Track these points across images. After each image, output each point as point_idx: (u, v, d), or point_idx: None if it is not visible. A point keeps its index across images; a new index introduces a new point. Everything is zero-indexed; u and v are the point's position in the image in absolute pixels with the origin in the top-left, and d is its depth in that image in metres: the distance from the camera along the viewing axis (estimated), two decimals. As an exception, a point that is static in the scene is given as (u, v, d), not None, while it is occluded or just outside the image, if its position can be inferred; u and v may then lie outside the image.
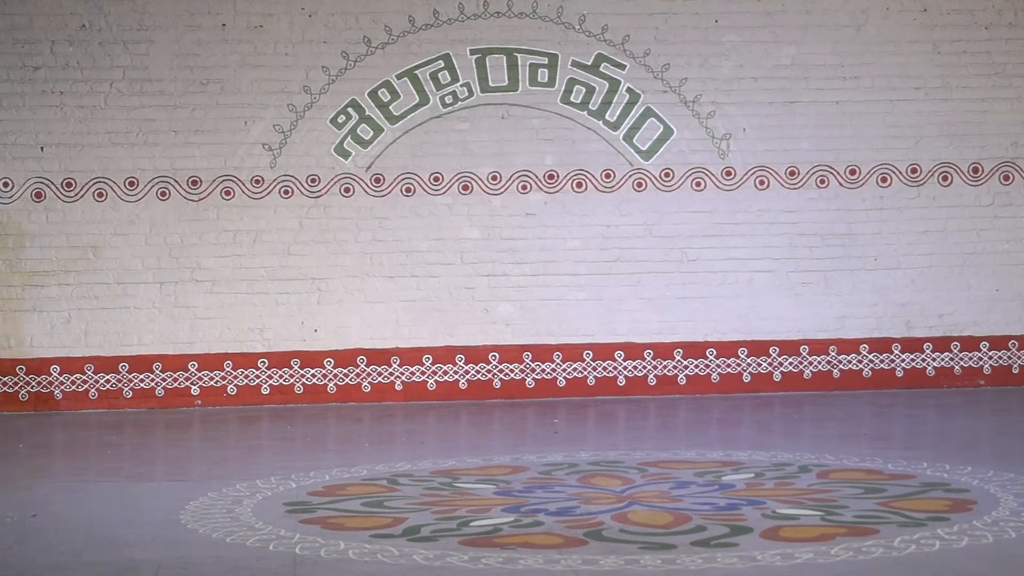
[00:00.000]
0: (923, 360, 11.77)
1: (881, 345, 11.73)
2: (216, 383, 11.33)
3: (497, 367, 11.53)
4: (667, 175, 11.66)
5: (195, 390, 11.35)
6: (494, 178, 11.50)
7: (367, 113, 11.51)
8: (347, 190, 11.48)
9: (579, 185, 11.62)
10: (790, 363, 11.70)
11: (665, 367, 11.64)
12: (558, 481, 7.76)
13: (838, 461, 8.22)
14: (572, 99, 11.59)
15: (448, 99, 11.54)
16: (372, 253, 11.50)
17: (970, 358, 11.79)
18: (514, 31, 11.56)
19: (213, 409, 11.17)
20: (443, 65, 11.54)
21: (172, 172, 11.37)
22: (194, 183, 11.36)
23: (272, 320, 11.39)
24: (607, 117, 11.61)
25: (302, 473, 8.18)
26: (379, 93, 11.52)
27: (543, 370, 11.58)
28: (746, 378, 11.68)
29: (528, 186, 11.60)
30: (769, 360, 11.69)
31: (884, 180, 11.75)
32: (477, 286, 11.53)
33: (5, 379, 11.29)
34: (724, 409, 10.90)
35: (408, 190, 11.52)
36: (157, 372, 11.29)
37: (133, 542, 6.61)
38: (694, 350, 11.65)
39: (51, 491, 7.93)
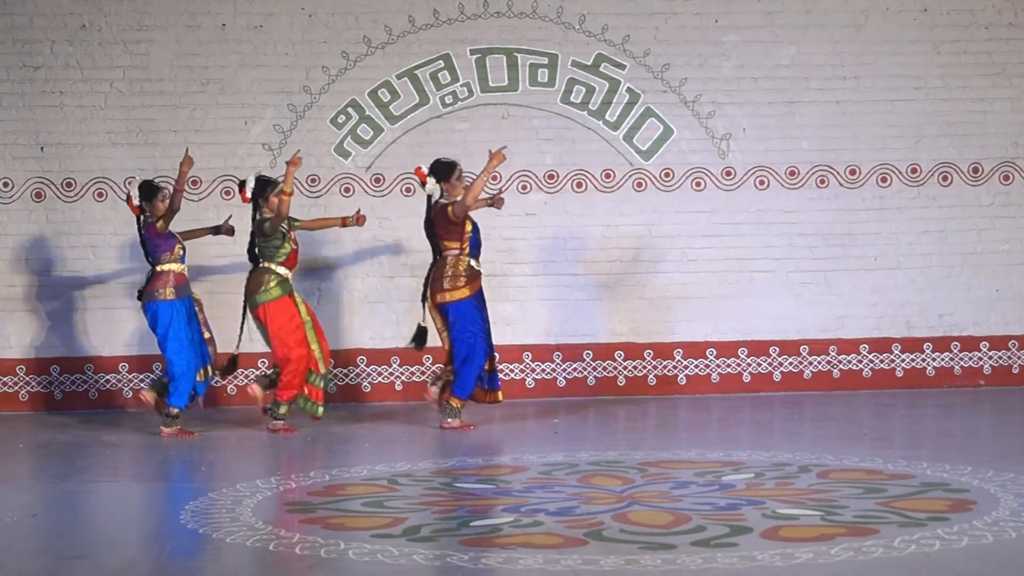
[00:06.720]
0: (923, 360, 11.76)
1: (881, 345, 11.73)
2: (216, 383, 11.31)
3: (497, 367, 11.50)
4: (667, 175, 11.66)
5: (195, 390, 11.33)
6: (494, 178, 11.48)
7: (367, 113, 11.50)
8: (347, 190, 11.48)
9: (579, 185, 11.61)
10: (790, 363, 11.70)
11: (665, 367, 11.64)
12: (558, 481, 7.76)
13: (838, 461, 8.22)
14: (572, 99, 11.59)
15: (448, 99, 11.54)
16: (372, 253, 11.49)
17: (970, 358, 11.79)
18: (514, 31, 11.56)
19: (214, 409, 11.15)
20: (443, 65, 11.53)
21: (172, 172, 11.33)
22: (194, 183, 11.35)
23: (272, 320, 11.36)
24: (607, 117, 11.61)
25: (302, 473, 8.18)
26: (379, 93, 11.51)
27: (544, 370, 11.57)
28: (746, 378, 11.67)
29: (528, 186, 11.60)
30: (769, 360, 11.68)
31: (884, 180, 11.74)
32: (477, 286, 11.50)
33: (5, 379, 11.29)
34: (724, 409, 10.90)
35: (408, 190, 11.51)
36: (157, 372, 11.26)
37: (133, 542, 6.62)
38: (694, 350, 11.65)
39: (51, 491, 7.93)
